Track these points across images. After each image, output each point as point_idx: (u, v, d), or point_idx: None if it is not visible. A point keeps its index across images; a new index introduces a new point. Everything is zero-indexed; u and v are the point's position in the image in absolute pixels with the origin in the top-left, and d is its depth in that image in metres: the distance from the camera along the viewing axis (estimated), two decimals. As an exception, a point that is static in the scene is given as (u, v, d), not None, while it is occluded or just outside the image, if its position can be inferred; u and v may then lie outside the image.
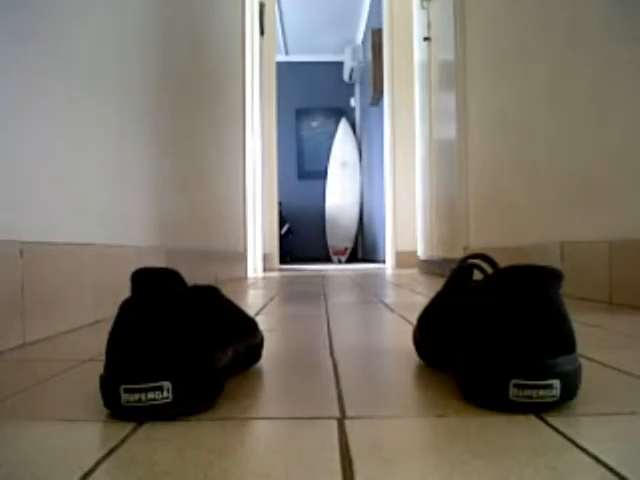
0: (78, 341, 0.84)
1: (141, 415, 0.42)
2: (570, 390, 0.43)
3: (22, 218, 0.83)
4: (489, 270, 0.53)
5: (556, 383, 0.41)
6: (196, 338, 0.43)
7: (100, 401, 0.44)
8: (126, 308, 0.43)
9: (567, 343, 0.43)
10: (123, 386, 0.41)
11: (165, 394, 0.41)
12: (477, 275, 0.55)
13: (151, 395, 0.41)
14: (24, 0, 0.83)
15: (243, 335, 0.56)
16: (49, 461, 0.35)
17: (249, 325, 0.58)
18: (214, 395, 0.45)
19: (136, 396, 0.41)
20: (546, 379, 0.41)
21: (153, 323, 0.42)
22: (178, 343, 0.42)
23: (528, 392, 0.41)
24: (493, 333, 0.44)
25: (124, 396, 0.41)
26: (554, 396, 0.42)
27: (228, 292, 1.83)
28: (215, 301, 0.52)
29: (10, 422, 0.43)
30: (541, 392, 0.41)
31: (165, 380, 0.41)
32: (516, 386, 0.42)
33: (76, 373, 0.60)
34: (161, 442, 0.38)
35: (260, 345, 0.61)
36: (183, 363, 0.42)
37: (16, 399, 0.50)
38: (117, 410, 0.42)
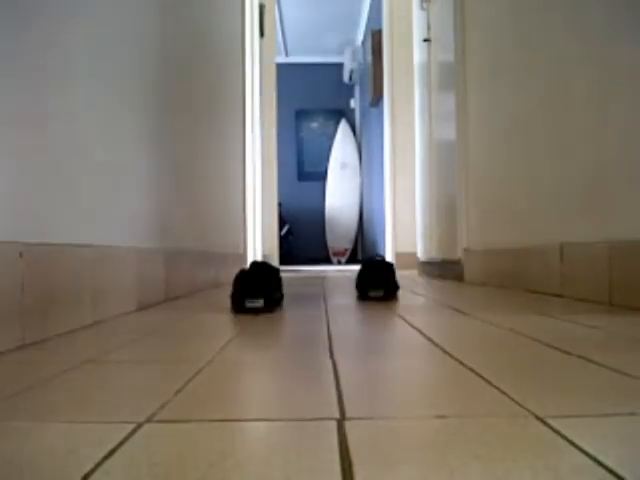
0: (78, 342, 0.84)
1: (250, 312, 1.13)
2: (389, 295, 1.44)
3: (22, 220, 0.83)
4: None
5: (381, 291, 1.43)
6: (270, 285, 1.18)
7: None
8: (245, 271, 1.18)
9: (394, 282, 1.46)
10: (246, 299, 1.14)
11: (260, 303, 1.13)
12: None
13: (256, 303, 1.14)
14: (26, 4, 0.83)
15: (280, 290, 1.29)
16: (49, 462, 0.35)
17: (281, 287, 1.31)
18: (275, 307, 1.21)
19: (250, 303, 1.14)
20: (379, 290, 1.43)
21: (256, 277, 1.15)
22: (264, 285, 1.16)
23: (374, 293, 1.43)
24: (371, 278, 1.44)
25: (246, 303, 1.14)
26: (382, 295, 1.42)
27: (228, 293, 1.83)
28: (276, 273, 1.26)
29: (10, 423, 0.43)
30: (375, 293, 1.43)
31: (261, 298, 1.13)
32: (371, 291, 1.44)
33: (76, 374, 0.60)
34: (161, 443, 0.38)
35: (282, 297, 1.33)
36: (266, 293, 1.15)
37: (16, 400, 0.50)
38: (241, 310, 1.15)
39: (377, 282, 1.42)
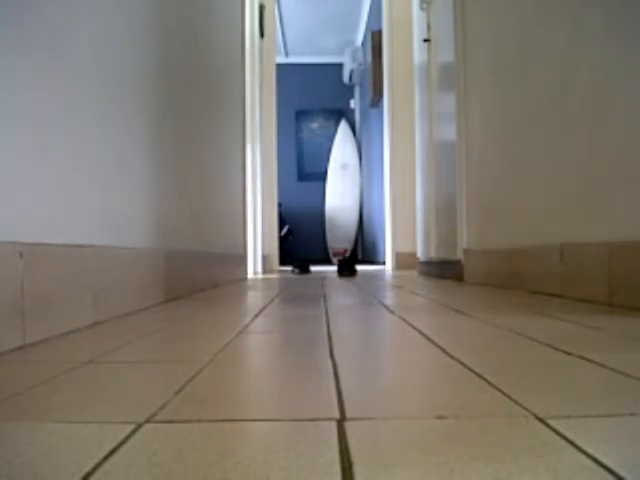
0: (78, 342, 0.84)
1: (296, 273, 3.70)
2: (352, 274, 3.26)
3: (22, 220, 0.83)
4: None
5: (348, 272, 3.28)
6: (303, 265, 3.78)
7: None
8: (298, 262, 3.82)
9: (354, 269, 3.31)
10: (295, 268, 3.79)
11: (298, 271, 3.73)
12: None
13: (296, 270, 3.74)
14: (27, 5, 0.84)
15: (308, 268, 3.83)
16: (49, 463, 0.35)
17: (309, 267, 3.84)
18: (306, 273, 3.69)
19: (296, 270, 3.75)
20: (347, 271, 3.27)
21: (299, 264, 3.79)
22: (301, 264, 3.78)
23: (345, 274, 3.25)
24: (344, 266, 3.30)
25: (294, 270, 3.79)
26: (352, 275, 3.24)
27: (228, 294, 1.83)
28: (307, 263, 3.83)
29: (10, 423, 0.43)
30: (346, 273, 3.26)
31: (297, 269, 3.75)
32: (344, 272, 3.26)
33: (76, 375, 0.60)
34: (161, 444, 0.38)
35: (310, 271, 3.89)
36: (300, 267, 3.77)
37: (16, 400, 0.50)
38: (292, 273, 3.79)
39: (347, 268, 3.19)
